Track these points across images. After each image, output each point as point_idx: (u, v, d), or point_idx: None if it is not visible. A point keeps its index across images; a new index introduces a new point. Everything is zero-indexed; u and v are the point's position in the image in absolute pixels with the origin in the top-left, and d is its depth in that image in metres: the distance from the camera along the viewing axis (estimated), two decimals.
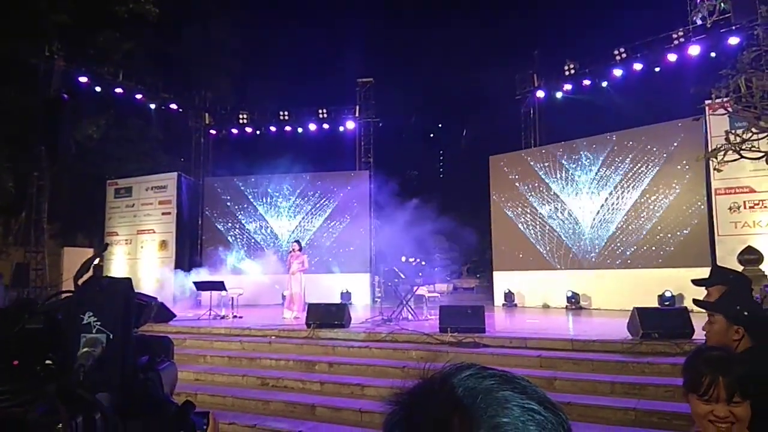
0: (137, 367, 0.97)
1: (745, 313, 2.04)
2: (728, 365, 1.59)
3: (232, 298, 12.26)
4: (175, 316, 10.99)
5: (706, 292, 2.40)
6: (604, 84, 14.23)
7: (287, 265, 11.92)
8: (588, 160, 13.43)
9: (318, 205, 16.46)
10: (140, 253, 16.47)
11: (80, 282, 0.95)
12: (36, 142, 14.09)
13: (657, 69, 13.14)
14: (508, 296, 13.91)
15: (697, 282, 2.47)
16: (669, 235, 12.00)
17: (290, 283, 11.78)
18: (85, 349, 0.83)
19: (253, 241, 16.66)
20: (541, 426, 0.55)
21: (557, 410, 0.58)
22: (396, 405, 0.60)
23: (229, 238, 16.73)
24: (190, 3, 20.19)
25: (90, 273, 1.03)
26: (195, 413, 1.04)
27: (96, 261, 1.09)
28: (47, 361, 0.85)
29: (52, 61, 14.36)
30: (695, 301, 2.33)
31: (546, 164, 14.13)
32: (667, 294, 11.04)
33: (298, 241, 12.24)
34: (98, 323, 0.87)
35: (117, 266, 16.55)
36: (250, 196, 16.84)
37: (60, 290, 1.06)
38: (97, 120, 17.07)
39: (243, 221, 16.78)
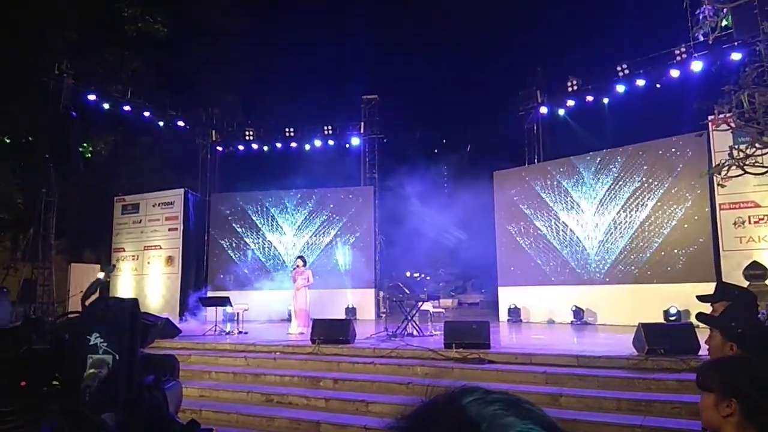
0: (143, 386, 0.99)
1: (739, 331, 2.05)
2: (706, 365, 1.80)
3: (238, 313, 12.28)
4: (180, 332, 11.00)
5: (711, 308, 2.41)
6: (606, 100, 14.26)
7: (292, 280, 11.94)
8: (590, 177, 13.43)
9: (323, 220, 16.49)
10: (147, 269, 16.53)
11: (87, 302, 0.98)
12: (45, 158, 14.23)
13: (659, 85, 13.18)
14: (513, 311, 13.83)
15: (702, 298, 2.48)
16: (674, 251, 11.94)
17: (295, 298, 11.77)
18: (91, 371, 0.85)
19: (258, 256, 16.69)
20: None
21: None
22: (399, 430, 0.58)
23: (234, 253, 16.76)
24: (198, 21, 20.44)
25: (96, 294, 1.06)
26: (199, 431, 1.06)
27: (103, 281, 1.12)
28: (54, 382, 0.87)
29: (61, 79, 14.52)
30: (698, 316, 2.33)
31: (549, 181, 14.11)
32: (673, 310, 10.97)
33: (302, 257, 12.24)
34: (105, 344, 0.89)
35: (124, 282, 16.60)
36: (255, 212, 16.90)
37: (68, 311, 1.08)
38: (105, 137, 17.22)
39: (248, 237, 16.81)
